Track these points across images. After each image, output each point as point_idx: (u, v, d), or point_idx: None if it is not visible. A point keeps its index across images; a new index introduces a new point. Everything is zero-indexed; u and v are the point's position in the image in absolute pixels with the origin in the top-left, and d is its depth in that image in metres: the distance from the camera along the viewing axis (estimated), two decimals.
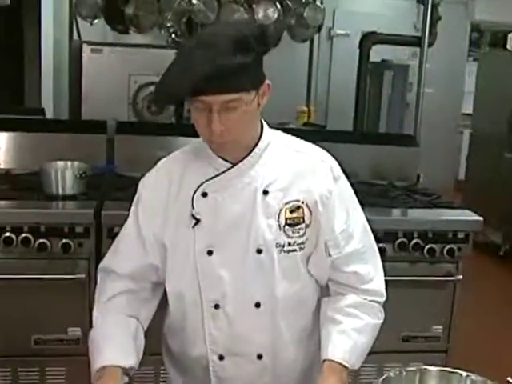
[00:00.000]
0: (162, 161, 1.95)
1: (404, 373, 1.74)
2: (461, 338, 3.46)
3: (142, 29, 4.09)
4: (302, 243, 1.85)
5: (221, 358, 1.92)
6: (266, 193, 1.81)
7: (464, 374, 1.73)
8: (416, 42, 4.10)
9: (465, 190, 7.22)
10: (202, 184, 1.81)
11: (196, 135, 1.81)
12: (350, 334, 1.85)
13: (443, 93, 6.38)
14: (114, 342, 1.82)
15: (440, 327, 3.36)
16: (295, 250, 1.85)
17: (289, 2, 4.24)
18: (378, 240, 3.05)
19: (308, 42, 5.08)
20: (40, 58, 5.15)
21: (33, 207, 3.04)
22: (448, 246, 3.23)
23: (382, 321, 1.95)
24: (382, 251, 3.08)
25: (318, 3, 4.35)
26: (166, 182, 1.87)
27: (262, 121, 1.85)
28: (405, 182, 3.91)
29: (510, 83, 6.58)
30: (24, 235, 2.93)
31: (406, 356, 3.23)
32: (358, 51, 4.34)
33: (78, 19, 4.44)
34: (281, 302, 1.88)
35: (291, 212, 1.82)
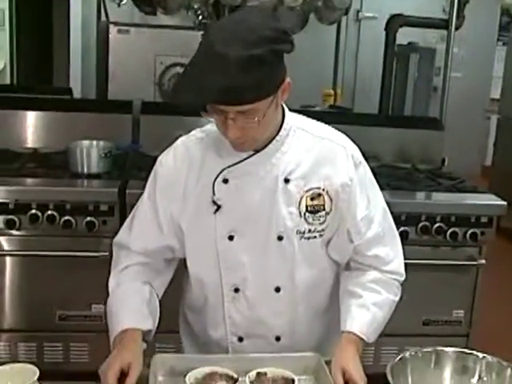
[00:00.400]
0: (181, 139, 1.92)
1: (420, 353, 1.76)
2: (482, 323, 3.45)
3: (169, 10, 4.08)
4: (322, 230, 1.85)
5: (240, 339, 1.96)
6: (287, 181, 1.81)
7: (480, 355, 1.74)
8: (443, 24, 4.05)
9: (491, 175, 7.15)
10: (223, 170, 1.81)
11: None
12: (369, 308, 1.88)
13: (472, 77, 6.29)
14: (131, 306, 1.85)
15: (461, 311, 3.37)
16: (315, 237, 1.86)
17: None
18: (400, 223, 3.10)
19: (335, 25, 5.04)
20: (69, 39, 5.18)
21: (58, 185, 3.09)
22: (471, 230, 3.22)
23: (398, 298, 1.96)
24: (404, 234, 3.13)
25: None
26: (186, 166, 1.85)
27: (284, 106, 1.83)
28: (429, 166, 3.89)
29: None
30: (49, 212, 2.98)
31: (426, 340, 3.22)
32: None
33: (106, 0, 4.48)
34: (300, 286, 1.90)
35: (312, 199, 1.82)
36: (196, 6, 4.08)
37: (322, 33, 5.11)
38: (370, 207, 1.88)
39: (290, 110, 1.88)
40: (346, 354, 1.78)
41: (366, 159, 1.93)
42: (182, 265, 2.02)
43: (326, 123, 1.95)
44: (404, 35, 4.45)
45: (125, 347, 1.75)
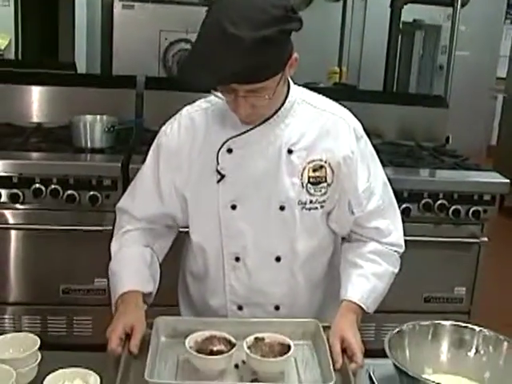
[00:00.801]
0: (185, 109, 1.93)
1: (417, 327, 1.77)
2: (483, 300, 3.47)
3: None
4: (324, 201, 1.87)
5: (239, 308, 1.98)
6: (290, 152, 1.83)
7: (477, 328, 1.75)
8: (449, 1, 4.03)
9: (496, 154, 7.13)
10: (227, 141, 1.82)
11: None
12: (369, 278, 1.90)
13: (478, 56, 6.25)
14: (132, 269, 1.88)
15: (463, 288, 3.38)
16: (316, 208, 1.87)
17: None
18: (403, 200, 3.10)
19: (341, 2, 5.02)
20: (74, 14, 5.16)
21: (62, 160, 3.10)
22: (473, 208, 3.22)
23: (397, 270, 1.98)
24: (406, 211, 3.13)
25: None
26: (190, 136, 1.87)
27: (289, 79, 1.83)
28: (433, 143, 3.89)
29: None
30: (53, 187, 3.00)
31: (427, 316, 3.15)
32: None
33: None
34: (300, 256, 1.92)
35: (314, 171, 1.84)
36: None
37: (327, 10, 5.09)
38: (370, 179, 1.90)
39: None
40: (344, 321, 1.81)
41: (369, 136, 1.94)
42: (182, 238, 2.04)
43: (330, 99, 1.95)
44: (409, 12, 4.43)
45: (127, 309, 1.78)
